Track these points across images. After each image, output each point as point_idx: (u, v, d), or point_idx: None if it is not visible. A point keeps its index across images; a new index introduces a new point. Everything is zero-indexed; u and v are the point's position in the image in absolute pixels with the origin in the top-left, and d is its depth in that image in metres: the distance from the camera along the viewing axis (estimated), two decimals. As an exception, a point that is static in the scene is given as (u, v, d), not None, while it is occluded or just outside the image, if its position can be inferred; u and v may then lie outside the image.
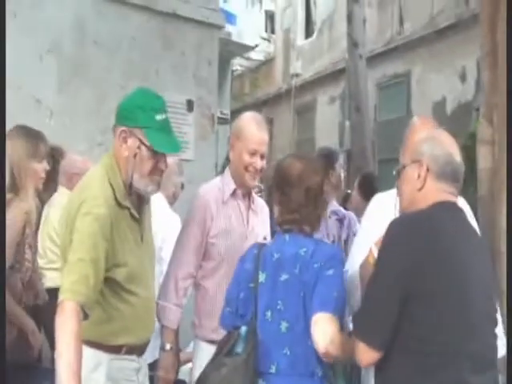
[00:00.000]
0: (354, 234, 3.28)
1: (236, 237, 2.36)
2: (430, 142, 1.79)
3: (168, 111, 1.97)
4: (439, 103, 10.23)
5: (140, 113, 1.89)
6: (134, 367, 2.02)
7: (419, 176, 1.75)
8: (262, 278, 1.90)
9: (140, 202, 2.02)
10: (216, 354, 1.88)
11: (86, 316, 1.76)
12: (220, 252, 2.34)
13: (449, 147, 1.77)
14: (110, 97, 4.61)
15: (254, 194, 2.54)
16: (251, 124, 2.40)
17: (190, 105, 5.20)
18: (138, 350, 2.03)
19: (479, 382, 1.62)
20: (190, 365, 2.61)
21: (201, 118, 5.30)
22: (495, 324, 1.75)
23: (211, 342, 2.22)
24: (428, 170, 1.74)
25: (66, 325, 1.68)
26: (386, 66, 11.28)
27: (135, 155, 1.90)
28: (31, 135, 2.53)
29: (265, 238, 2.49)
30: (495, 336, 1.73)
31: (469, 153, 3.16)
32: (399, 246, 1.64)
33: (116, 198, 1.89)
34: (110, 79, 4.68)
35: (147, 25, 4.92)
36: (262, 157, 2.39)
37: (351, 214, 3.45)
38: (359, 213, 4.27)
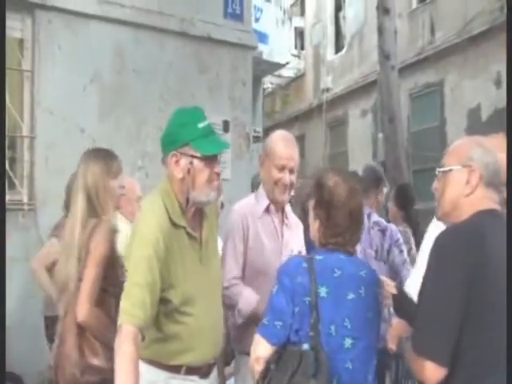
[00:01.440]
0: (396, 245, 3.32)
1: (270, 251, 2.40)
2: (480, 148, 1.78)
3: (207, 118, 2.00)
4: (474, 110, 10.09)
5: (183, 130, 1.93)
6: None
7: (468, 182, 1.74)
8: (322, 292, 1.89)
9: (199, 220, 2.03)
10: (291, 376, 1.81)
11: (142, 338, 1.82)
12: (255, 266, 2.37)
13: (497, 155, 1.77)
14: (149, 122, 4.76)
15: (287, 209, 2.57)
16: (279, 141, 2.48)
17: (226, 125, 5.30)
18: (199, 370, 2.01)
19: None
20: (232, 380, 2.62)
21: (237, 138, 5.40)
22: None
23: None
24: (481, 177, 1.73)
25: (122, 347, 1.74)
26: (418, 76, 11.21)
27: (189, 171, 1.93)
28: (103, 154, 2.52)
29: (300, 253, 2.51)
30: None
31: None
32: (454, 256, 1.61)
33: (170, 219, 1.92)
34: (148, 105, 4.82)
35: (183, 50, 5.06)
36: (290, 172, 2.44)
37: (392, 226, 3.51)
38: (397, 223, 4.31)
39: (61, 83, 4.41)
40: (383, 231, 3.36)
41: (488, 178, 1.74)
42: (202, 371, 2.02)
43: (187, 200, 1.97)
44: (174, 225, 1.93)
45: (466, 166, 1.75)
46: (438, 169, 1.85)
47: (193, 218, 2.01)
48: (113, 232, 2.39)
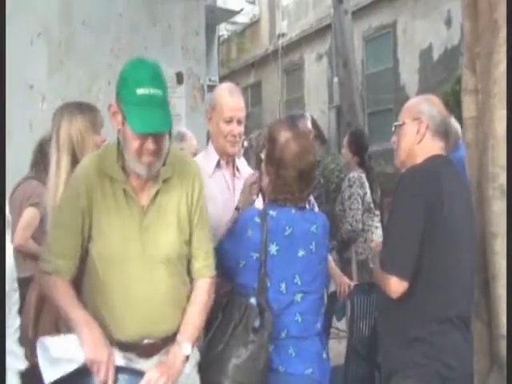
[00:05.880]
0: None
1: (223, 205, 2.39)
2: (427, 103, 2.11)
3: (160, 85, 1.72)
4: (426, 51, 10.22)
5: (123, 86, 1.71)
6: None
7: (418, 131, 2.06)
8: (273, 250, 1.91)
9: (150, 184, 1.81)
10: (234, 328, 1.85)
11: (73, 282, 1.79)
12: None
13: (442, 109, 2.10)
14: (101, 76, 4.67)
15: (237, 161, 2.57)
16: (224, 93, 2.46)
17: (179, 77, 5.26)
18: (133, 348, 1.76)
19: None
20: None
21: (191, 90, 5.37)
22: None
23: None
24: (427, 127, 2.05)
25: (54, 291, 1.77)
26: (372, 19, 11.22)
27: (119, 130, 1.76)
28: (86, 108, 2.33)
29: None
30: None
31: (458, 97, 3.19)
32: (415, 191, 1.93)
33: (102, 168, 1.78)
34: (99, 58, 4.72)
35: (133, 1, 4.94)
36: (238, 123, 2.43)
37: None
38: (351, 168, 4.44)
39: (7, 37, 4.28)
40: None
41: (434, 128, 2.06)
42: (138, 350, 1.77)
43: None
44: (108, 176, 1.79)
45: (416, 118, 2.07)
46: (394, 124, 2.17)
47: (139, 178, 1.79)
48: None
